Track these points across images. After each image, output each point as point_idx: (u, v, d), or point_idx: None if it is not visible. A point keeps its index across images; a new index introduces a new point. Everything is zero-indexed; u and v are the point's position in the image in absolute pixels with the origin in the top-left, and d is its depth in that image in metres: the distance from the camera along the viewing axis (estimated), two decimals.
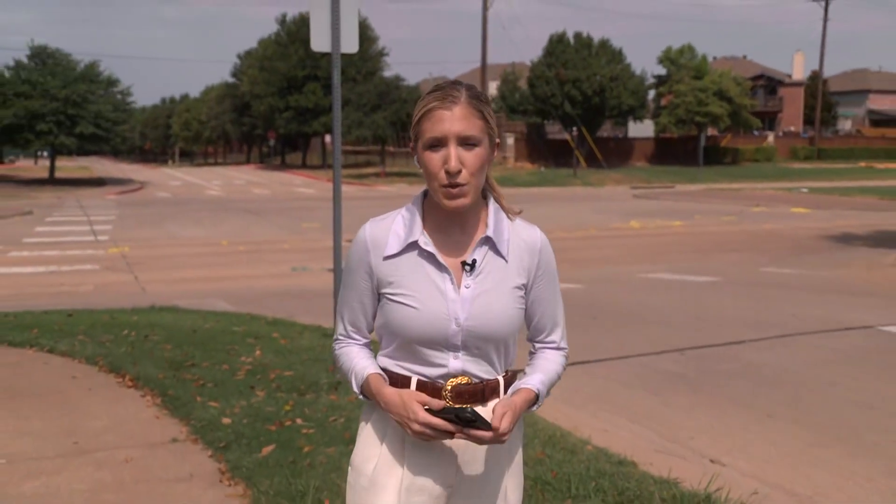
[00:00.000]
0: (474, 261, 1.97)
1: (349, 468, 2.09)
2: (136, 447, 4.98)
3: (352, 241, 2.05)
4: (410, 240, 1.97)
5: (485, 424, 1.84)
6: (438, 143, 1.90)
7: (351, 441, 4.76)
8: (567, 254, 16.42)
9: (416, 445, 1.98)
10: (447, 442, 1.97)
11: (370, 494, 2.01)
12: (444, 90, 1.92)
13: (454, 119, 1.89)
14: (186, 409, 5.58)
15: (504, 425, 1.86)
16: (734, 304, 10.31)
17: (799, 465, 4.86)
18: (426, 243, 1.96)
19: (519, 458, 2.10)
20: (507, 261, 2.00)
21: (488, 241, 1.99)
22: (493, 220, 2.01)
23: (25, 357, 7.38)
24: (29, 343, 7.79)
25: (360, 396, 2.03)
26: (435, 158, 1.90)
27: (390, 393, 1.93)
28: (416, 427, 1.86)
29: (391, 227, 2.00)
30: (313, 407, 5.56)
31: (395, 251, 1.98)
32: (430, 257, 1.96)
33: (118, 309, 10.27)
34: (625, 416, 5.83)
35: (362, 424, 2.09)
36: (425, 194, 2.04)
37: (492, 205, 2.04)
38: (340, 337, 2.11)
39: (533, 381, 2.01)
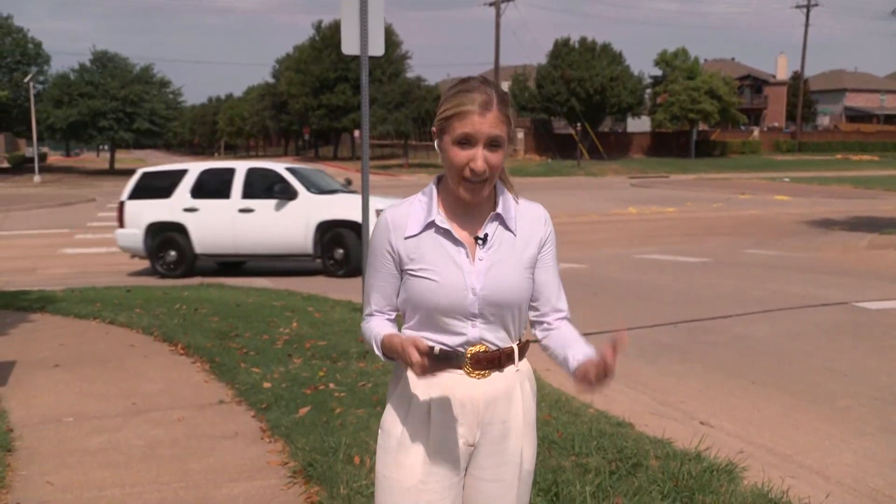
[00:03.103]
0: (486, 235, 1.96)
1: (379, 430, 2.07)
2: (188, 408, 5.02)
3: (375, 227, 2.03)
4: (428, 220, 1.96)
5: (456, 359, 1.86)
6: (467, 141, 1.87)
7: (378, 403, 4.78)
8: (571, 236, 16.36)
9: (441, 408, 1.97)
10: (471, 402, 1.97)
11: (399, 454, 1.99)
12: (476, 92, 1.87)
13: (485, 124, 1.85)
14: (231, 374, 5.61)
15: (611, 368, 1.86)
16: (722, 282, 10.24)
17: (780, 427, 4.83)
18: (442, 222, 1.95)
19: (533, 420, 2.09)
20: (515, 234, 1.99)
21: (498, 218, 1.98)
22: (502, 199, 2.00)
23: (89, 328, 7.45)
24: (92, 315, 7.86)
25: (384, 358, 2.01)
26: (462, 155, 1.87)
27: (395, 343, 1.89)
28: (418, 371, 1.82)
29: (409, 210, 1.99)
30: (344, 373, 5.58)
31: (415, 231, 1.96)
32: (446, 234, 1.95)
33: (171, 285, 10.34)
34: (623, 382, 5.81)
35: (391, 389, 2.08)
36: (439, 179, 2.03)
37: (500, 186, 2.02)
38: (366, 316, 2.10)
39: (588, 350, 1.98)
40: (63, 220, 21.99)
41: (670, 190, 33.19)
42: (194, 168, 12.25)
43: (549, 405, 4.83)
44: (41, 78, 55.27)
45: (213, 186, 11.92)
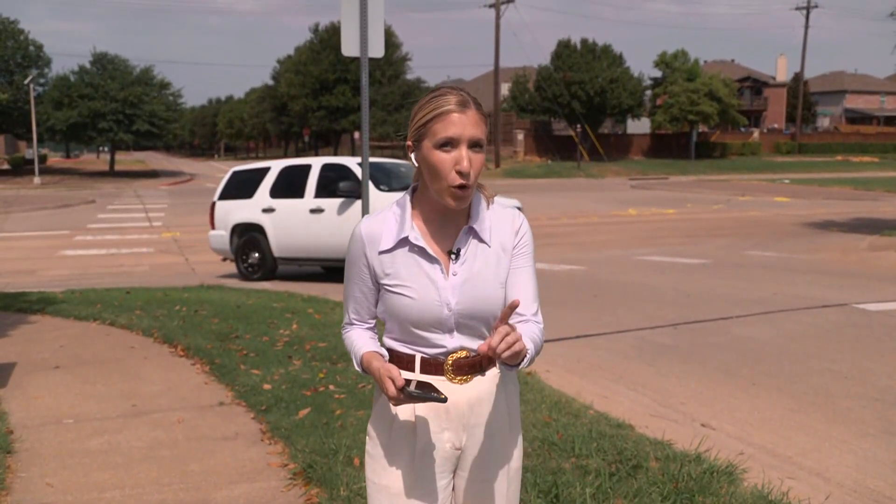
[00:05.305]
0: (459, 249, 1.94)
1: (367, 437, 2.08)
2: (188, 409, 5.02)
3: (350, 240, 2.01)
4: (402, 235, 1.93)
5: (435, 397, 1.81)
6: (450, 144, 1.84)
7: None
8: (570, 238, 16.36)
9: (426, 415, 1.98)
10: (456, 407, 1.97)
11: (386, 460, 2.01)
12: (452, 95, 1.87)
13: (468, 123, 1.84)
14: (231, 375, 5.61)
15: (500, 346, 1.68)
16: (722, 283, 10.24)
17: (780, 429, 4.83)
18: (416, 238, 1.93)
19: (518, 418, 2.10)
20: (490, 245, 1.96)
21: (471, 231, 1.96)
22: (475, 209, 1.97)
23: (90, 329, 7.45)
24: (93, 317, 7.86)
25: (363, 373, 2.03)
26: (446, 159, 1.84)
27: (376, 367, 1.92)
28: (393, 402, 1.86)
29: (383, 223, 1.96)
30: (344, 375, 5.58)
31: (388, 246, 1.94)
32: (420, 250, 1.93)
33: (171, 287, 10.33)
34: (623, 384, 5.81)
35: (377, 396, 2.08)
36: (412, 191, 2.00)
37: (473, 196, 1.98)
38: (346, 325, 2.11)
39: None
40: (63, 222, 21.99)
41: (670, 191, 33.20)
42: (276, 166, 11.77)
43: (549, 407, 4.83)
44: (41, 80, 55.25)
45: (289, 185, 11.40)
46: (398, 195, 10.88)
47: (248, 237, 11.60)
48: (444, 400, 1.81)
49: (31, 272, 12.94)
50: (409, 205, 1.97)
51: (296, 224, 11.24)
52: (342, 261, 11.18)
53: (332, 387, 5.27)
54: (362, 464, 3.89)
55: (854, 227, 18.01)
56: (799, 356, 6.53)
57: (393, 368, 1.85)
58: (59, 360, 6.26)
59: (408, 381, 1.86)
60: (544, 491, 3.57)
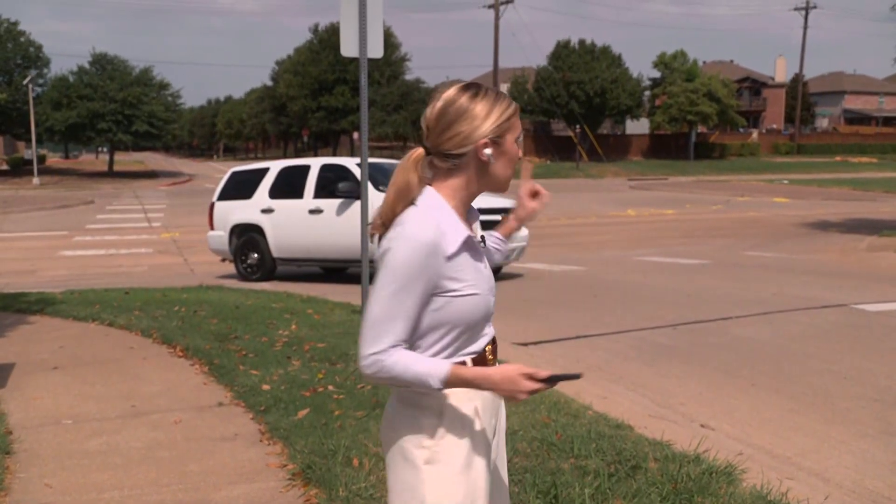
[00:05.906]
0: (482, 237, 2.02)
1: (426, 467, 1.87)
2: (187, 410, 5.01)
3: (406, 247, 1.80)
4: (463, 235, 1.86)
5: (572, 375, 1.87)
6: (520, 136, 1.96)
7: (378, 406, 4.76)
8: (570, 238, 16.37)
9: (485, 411, 1.93)
10: (490, 394, 1.94)
11: (465, 475, 1.88)
12: (490, 87, 1.97)
13: None
14: (230, 376, 5.61)
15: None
16: (721, 284, 10.24)
17: (779, 430, 4.83)
18: (474, 236, 1.91)
19: None
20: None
21: (479, 220, 2.06)
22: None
23: (88, 330, 7.45)
24: (91, 317, 7.85)
25: (442, 390, 1.83)
26: (518, 150, 1.96)
27: (494, 372, 1.81)
28: (524, 396, 1.81)
29: (436, 227, 1.82)
30: (343, 375, 5.57)
31: (454, 249, 1.83)
32: (475, 246, 1.91)
33: (170, 287, 10.32)
34: (622, 384, 5.81)
35: (434, 421, 1.89)
36: (429, 188, 1.93)
37: None
38: (389, 349, 1.80)
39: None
40: (62, 223, 21.99)
41: (669, 192, 33.21)
42: (275, 167, 11.83)
43: (548, 407, 4.83)
44: (40, 80, 55.22)
45: (288, 186, 11.42)
46: None
47: (247, 238, 11.62)
48: (580, 376, 1.88)
49: (30, 272, 12.94)
50: (445, 203, 1.90)
51: (295, 225, 11.25)
52: (341, 261, 11.21)
53: (330, 387, 5.26)
54: (361, 464, 3.88)
55: (853, 228, 18.02)
56: (798, 357, 6.53)
57: (520, 366, 1.82)
58: (58, 360, 6.25)
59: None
60: (543, 491, 3.57)
